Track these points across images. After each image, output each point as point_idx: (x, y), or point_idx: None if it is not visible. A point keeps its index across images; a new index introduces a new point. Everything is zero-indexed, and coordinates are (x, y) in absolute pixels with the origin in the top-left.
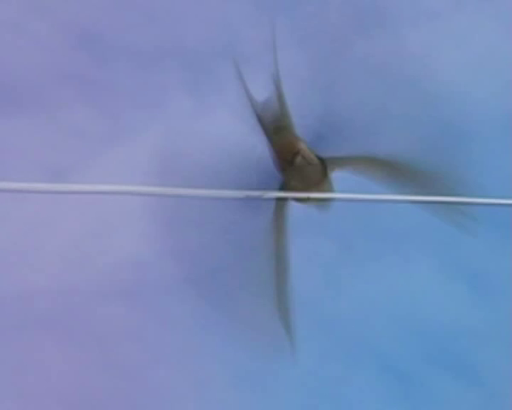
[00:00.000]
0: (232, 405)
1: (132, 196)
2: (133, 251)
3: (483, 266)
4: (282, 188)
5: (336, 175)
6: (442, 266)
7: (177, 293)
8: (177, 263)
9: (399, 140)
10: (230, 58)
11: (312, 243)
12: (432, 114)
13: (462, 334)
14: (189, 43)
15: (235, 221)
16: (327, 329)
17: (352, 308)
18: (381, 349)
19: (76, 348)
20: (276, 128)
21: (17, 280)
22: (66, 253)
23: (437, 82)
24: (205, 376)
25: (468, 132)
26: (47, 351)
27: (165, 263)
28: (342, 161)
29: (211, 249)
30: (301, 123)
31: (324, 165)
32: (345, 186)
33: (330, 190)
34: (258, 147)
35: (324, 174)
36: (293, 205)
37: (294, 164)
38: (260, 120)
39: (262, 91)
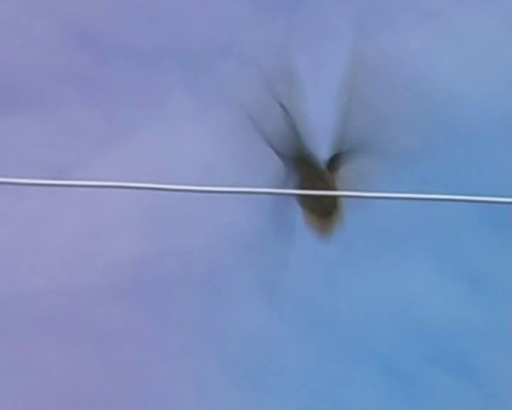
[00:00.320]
0: (232, 405)
1: (132, 196)
2: (133, 251)
3: (483, 266)
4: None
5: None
6: (442, 266)
7: (177, 293)
8: (177, 263)
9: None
10: (230, 58)
11: (312, 242)
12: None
13: (462, 334)
14: (189, 44)
15: (235, 221)
16: (327, 329)
17: (352, 308)
18: (381, 349)
19: (76, 348)
20: (297, 160)
21: (17, 280)
22: (67, 253)
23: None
24: (205, 376)
25: (468, 132)
26: (47, 351)
27: (165, 263)
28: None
29: (211, 249)
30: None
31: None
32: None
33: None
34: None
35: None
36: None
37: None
38: (280, 154)
39: (262, 91)
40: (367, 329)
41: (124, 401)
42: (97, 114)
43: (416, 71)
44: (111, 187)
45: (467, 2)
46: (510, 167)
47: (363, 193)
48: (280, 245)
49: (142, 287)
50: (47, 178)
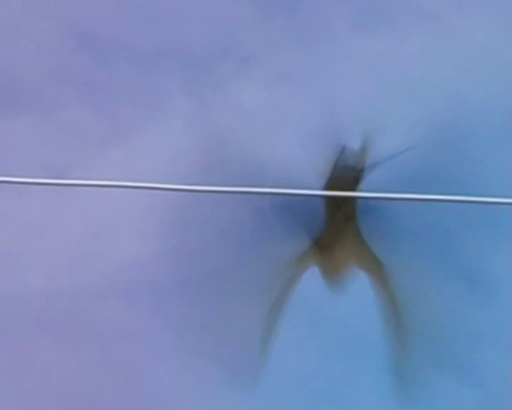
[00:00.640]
0: (232, 405)
1: (132, 196)
2: (133, 251)
3: (483, 266)
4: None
5: None
6: (442, 266)
7: (177, 293)
8: (177, 263)
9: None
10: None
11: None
12: (431, 114)
13: (461, 334)
14: (189, 44)
15: (236, 221)
16: (327, 329)
17: (352, 308)
18: (381, 349)
19: (76, 348)
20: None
21: (17, 280)
22: (66, 253)
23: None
24: (205, 376)
25: (468, 132)
26: (46, 351)
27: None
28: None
29: (211, 249)
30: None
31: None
32: None
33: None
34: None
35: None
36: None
37: None
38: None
39: (262, 92)
40: (367, 329)
41: (123, 402)
42: (97, 114)
43: (416, 71)
44: (111, 187)
45: (467, 3)
46: (510, 168)
47: (363, 193)
48: (280, 245)
49: (142, 287)
50: (47, 178)
